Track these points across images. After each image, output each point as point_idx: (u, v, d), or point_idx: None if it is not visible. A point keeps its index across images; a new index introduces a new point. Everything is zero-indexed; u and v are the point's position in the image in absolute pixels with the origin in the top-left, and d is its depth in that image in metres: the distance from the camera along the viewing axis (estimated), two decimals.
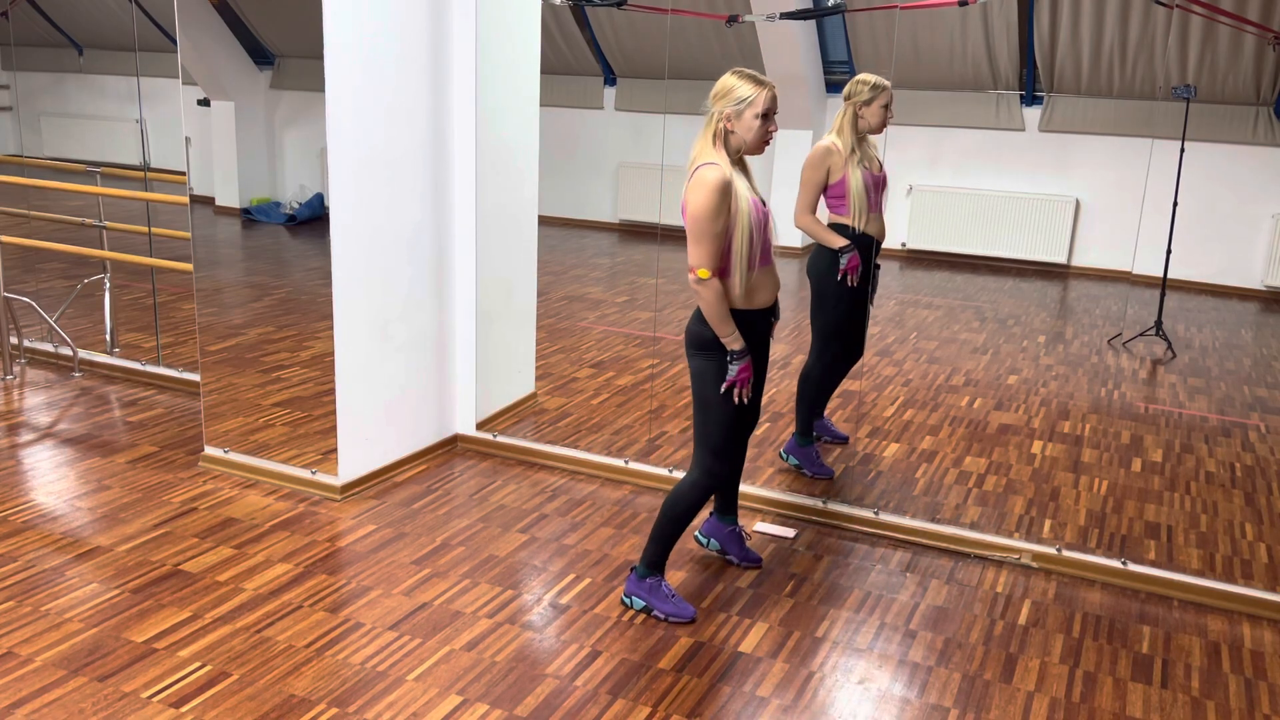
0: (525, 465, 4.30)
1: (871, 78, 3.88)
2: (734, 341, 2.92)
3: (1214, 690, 2.88)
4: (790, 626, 3.11)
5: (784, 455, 4.23)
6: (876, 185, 3.98)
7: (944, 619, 3.19)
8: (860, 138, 3.93)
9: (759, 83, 2.85)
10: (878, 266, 4.15)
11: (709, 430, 3.03)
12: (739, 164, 2.94)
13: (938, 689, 2.83)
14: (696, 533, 3.51)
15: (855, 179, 3.90)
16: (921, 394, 5.17)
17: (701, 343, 2.95)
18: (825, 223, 4.05)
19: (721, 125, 2.86)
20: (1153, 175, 5.49)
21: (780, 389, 5.15)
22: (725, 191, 2.79)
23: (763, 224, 2.93)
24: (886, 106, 3.87)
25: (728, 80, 2.87)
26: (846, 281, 3.98)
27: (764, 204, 2.96)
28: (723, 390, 2.95)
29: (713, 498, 3.43)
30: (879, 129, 3.92)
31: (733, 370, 2.93)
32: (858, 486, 4.07)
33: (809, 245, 4.16)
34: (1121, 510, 3.93)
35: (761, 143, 2.89)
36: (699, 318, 2.96)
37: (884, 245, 4.15)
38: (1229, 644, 3.12)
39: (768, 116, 2.86)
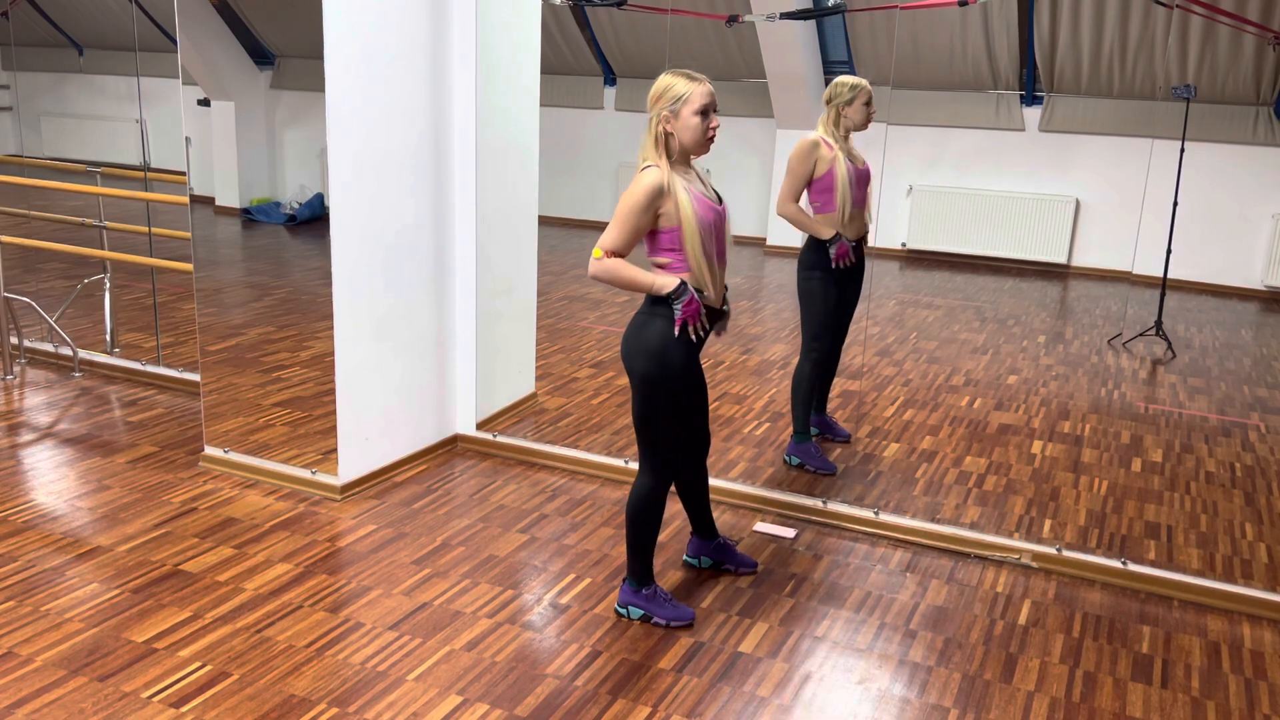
0: (525, 465, 4.30)
1: (850, 79, 3.96)
2: (666, 285, 2.83)
3: (1214, 690, 2.88)
4: (790, 626, 3.11)
5: (787, 458, 4.25)
6: (860, 180, 4.01)
7: (944, 619, 3.19)
8: (843, 136, 3.99)
9: (694, 79, 2.80)
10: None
11: (656, 437, 2.97)
12: (685, 167, 2.89)
13: (938, 689, 2.83)
14: (685, 556, 3.46)
15: (841, 170, 3.94)
16: (921, 394, 5.17)
17: (645, 352, 2.88)
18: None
19: (661, 128, 2.80)
20: (1153, 175, 5.49)
21: (780, 389, 5.15)
22: (657, 193, 2.76)
23: (719, 223, 2.90)
24: (868, 104, 3.94)
25: (662, 80, 2.82)
26: (830, 274, 4.03)
27: (720, 203, 2.93)
28: (676, 331, 2.85)
29: (690, 522, 3.41)
30: (863, 126, 3.98)
31: (678, 308, 2.83)
32: (858, 486, 4.07)
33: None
34: (1121, 510, 3.93)
35: (704, 141, 2.85)
36: (636, 331, 2.90)
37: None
38: (1229, 644, 3.12)
39: (706, 113, 2.81)
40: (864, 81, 3.94)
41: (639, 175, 2.81)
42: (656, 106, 2.81)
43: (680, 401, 2.94)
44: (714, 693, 2.77)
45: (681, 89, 2.79)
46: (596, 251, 2.80)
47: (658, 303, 2.87)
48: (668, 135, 2.81)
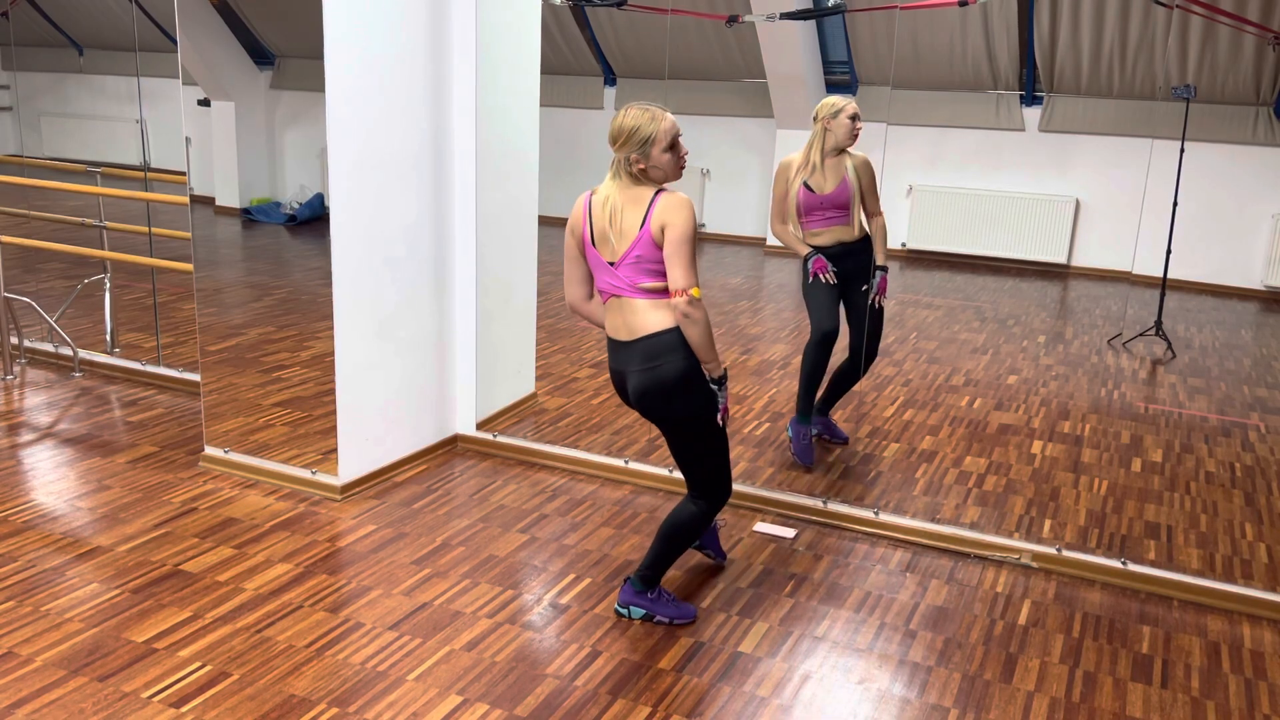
0: (525, 465, 4.30)
1: (836, 98, 4.07)
2: (720, 365, 2.86)
3: (1214, 690, 2.88)
4: (790, 626, 3.11)
5: (787, 429, 4.35)
6: (820, 202, 4.08)
7: (944, 619, 3.19)
8: (828, 154, 4.05)
9: (655, 116, 2.76)
10: (883, 268, 4.18)
11: (714, 462, 2.98)
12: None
13: (938, 689, 2.83)
14: None
15: (791, 193, 4.11)
16: (921, 394, 5.17)
17: (688, 381, 2.82)
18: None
19: (636, 169, 2.77)
20: (1153, 175, 5.50)
21: (781, 389, 5.15)
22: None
23: None
24: (853, 119, 4.01)
25: (625, 123, 2.76)
26: (818, 280, 4.14)
27: None
28: (720, 420, 2.90)
29: None
30: (846, 142, 4.04)
31: (723, 397, 2.87)
32: (858, 486, 4.07)
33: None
34: (1121, 510, 3.93)
35: (679, 169, 2.84)
36: (660, 378, 2.82)
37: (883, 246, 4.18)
38: (1229, 644, 3.12)
39: (675, 145, 2.79)
40: (850, 99, 4.06)
41: (667, 200, 2.73)
42: (624, 149, 2.76)
43: (716, 420, 2.92)
44: (714, 693, 2.77)
45: (646, 130, 2.73)
46: (695, 291, 2.73)
47: (671, 344, 2.80)
48: (641, 171, 2.78)
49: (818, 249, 4.12)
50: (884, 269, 4.17)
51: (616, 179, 2.82)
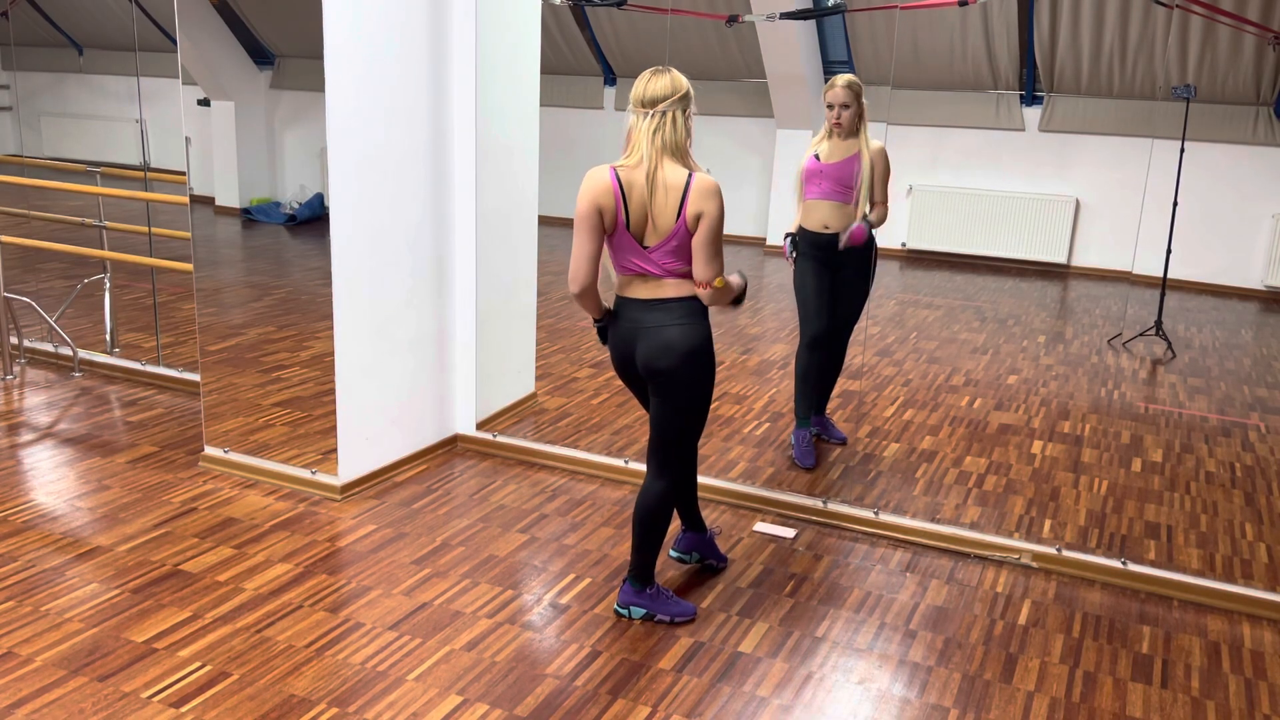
0: (525, 465, 4.30)
1: (832, 81, 4.05)
2: (740, 284, 3.03)
3: (1214, 690, 2.88)
4: (790, 626, 3.11)
5: (791, 437, 4.36)
6: (822, 170, 4.06)
7: (944, 619, 3.19)
8: (834, 134, 4.06)
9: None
10: (866, 220, 4.15)
11: (688, 439, 3.01)
12: None
13: (938, 689, 2.83)
14: (672, 553, 3.41)
15: (800, 163, 4.14)
16: (921, 394, 5.17)
17: (703, 346, 2.89)
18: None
19: (689, 125, 2.79)
20: (1153, 175, 5.49)
21: (780, 389, 5.15)
22: None
23: None
24: (830, 106, 4.01)
25: (676, 78, 2.77)
26: (810, 262, 4.16)
27: None
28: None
29: (682, 518, 3.38)
30: (833, 124, 4.01)
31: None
32: (858, 486, 4.07)
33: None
34: (1121, 510, 3.93)
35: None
36: (677, 336, 2.84)
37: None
38: (1229, 644, 3.12)
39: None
40: (838, 81, 3.98)
41: (707, 189, 2.73)
42: (681, 102, 2.75)
43: (709, 398, 3.00)
44: (714, 693, 2.77)
45: (690, 90, 2.80)
46: (719, 281, 2.81)
47: (696, 309, 2.87)
48: (688, 129, 2.80)
49: (806, 234, 4.13)
50: (868, 221, 4.09)
51: (653, 152, 2.76)
